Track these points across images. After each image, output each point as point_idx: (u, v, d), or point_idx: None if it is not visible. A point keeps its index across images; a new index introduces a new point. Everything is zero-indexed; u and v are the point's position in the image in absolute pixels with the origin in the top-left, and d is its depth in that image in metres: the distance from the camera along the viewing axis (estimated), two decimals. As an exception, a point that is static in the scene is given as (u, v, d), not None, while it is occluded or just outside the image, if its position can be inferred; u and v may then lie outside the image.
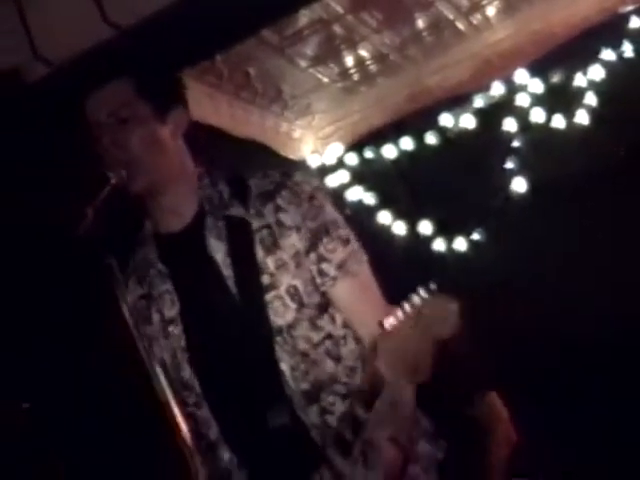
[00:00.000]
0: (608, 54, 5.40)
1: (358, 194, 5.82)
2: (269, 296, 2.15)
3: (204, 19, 3.52)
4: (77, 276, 3.05)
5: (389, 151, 5.84)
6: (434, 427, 2.27)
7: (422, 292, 1.86)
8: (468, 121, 5.68)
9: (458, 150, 5.64)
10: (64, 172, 3.57)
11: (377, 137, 5.93)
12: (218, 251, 2.20)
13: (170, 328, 2.25)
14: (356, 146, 6.00)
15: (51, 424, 3.48)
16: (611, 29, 5.39)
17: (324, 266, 2.18)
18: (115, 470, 3.71)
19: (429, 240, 5.67)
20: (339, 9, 5.01)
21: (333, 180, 5.94)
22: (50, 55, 3.62)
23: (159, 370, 2.05)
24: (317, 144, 6.20)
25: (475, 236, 5.56)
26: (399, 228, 5.73)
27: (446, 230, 5.62)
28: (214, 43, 3.91)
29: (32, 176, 3.70)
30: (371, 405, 1.88)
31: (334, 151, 6.04)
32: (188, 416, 2.21)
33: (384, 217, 5.72)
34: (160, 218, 2.31)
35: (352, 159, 5.97)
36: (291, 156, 5.96)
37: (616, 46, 5.40)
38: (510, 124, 5.56)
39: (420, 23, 5.47)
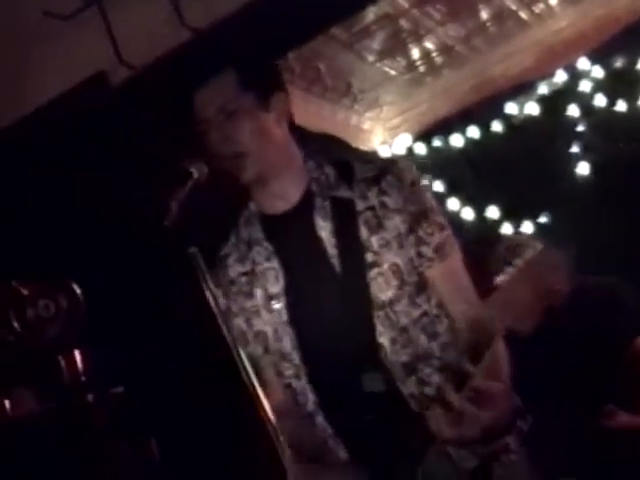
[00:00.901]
0: (670, 38, 5.43)
1: (427, 182, 5.87)
2: (373, 273, 2.23)
3: (277, 19, 3.59)
4: (164, 265, 3.19)
5: (456, 140, 5.92)
6: (521, 402, 2.37)
7: (537, 244, 1.94)
8: (533, 108, 5.74)
9: (523, 137, 5.69)
10: (150, 168, 3.72)
11: (444, 127, 5.99)
12: (324, 230, 2.27)
13: (273, 303, 2.33)
14: (424, 136, 6.06)
15: (143, 407, 3.64)
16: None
17: (422, 248, 2.26)
18: (204, 449, 3.88)
19: (497, 224, 5.74)
20: (405, 4, 5.07)
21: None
22: (133, 59, 3.72)
23: (242, 351, 2.08)
24: (386, 135, 6.27)
25: (542, 219, 5.63)
26: (468, 214, 5.80)
27: (513, 214, 5.68)
28: (287, 41, 3.96)
29: (121, 173, 3.86)
30: (479, 359, 1.92)
31: (403, 141, 6.12)
32: (286, 387, 2.35)
33: (453, 203, 5.78)
34: (266, 200, 2.38)
35: (420, 148, 6.05)
36: (362, 147, 6.03)
37: (678, 30, 5.41)
38: (574, 110, 5.60)
39: (484, 14, 5.51)
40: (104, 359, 3.43)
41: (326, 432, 2.33)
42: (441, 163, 5.92)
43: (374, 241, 2.25)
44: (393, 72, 5.81)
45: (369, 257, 2.24)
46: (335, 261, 2.26)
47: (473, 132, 5.90)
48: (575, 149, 5.59)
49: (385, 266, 2.24)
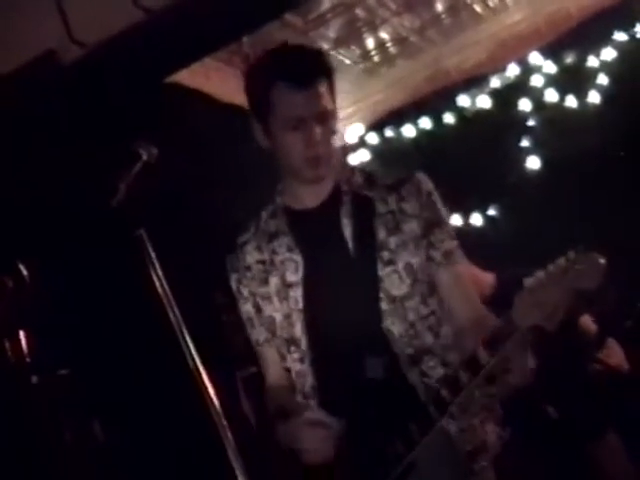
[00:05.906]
0: (620, 36, 5.50)
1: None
2: (388, 269, 2.37)
3: (231, 3, 3.61)
4: (110, 246, 3.14)
5: (408, 130, 5.97)
6: (503, 413, 2.48)
7: (570, 253, 2.10)
8: (485, 101, 5.80)
9: (475, 129, 5.75)
10: (99, 150, 3.68)
11: (397, 117, 6.03)
12: (347, 227, 2.39)
13: (290, 291, 2.44)
14: (377, 126, 6.10)
15: (89, 389, 3.63)
16: (624, 11, 5.45)
17: (432, 252, 2.39)
18: (148, 431, 3.87)
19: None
20: (361, -7, 5.07)
21: (355, 158, 6.06)
22: (84, 38, 3.71)
23: (188, 336, 2.16)
24: (339, 124, 6.32)
25: (491, 211, 5.70)
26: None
27: (463, 206, 5.72)
28: (241, 26, 4.00)
29: (70, 154, 3.83)
30: (495, 349, 2.12)
31: (356, 131, 6.15)
32: (285, 370, 2.49)
33: (403, 194, 5.82)
34: (299, 197, 2.47)
35: (373, 138, 6.09)
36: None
37: (628, 28, 5.50)
38: (525, 104, 5.67)
39: (438, 6, 5.55)
40: (50, 341, 3.41)
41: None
42: (393, 153, 5.94)
43: (392, 241, 2.39)
44: (348, 61, 5.82)
45: (385, 255, 2.38)
46: (353, 255, 2.38)
47: (425, 123, 5.94)
48: (525, 143, 5.67)
49: (400, 265, 2.38)
